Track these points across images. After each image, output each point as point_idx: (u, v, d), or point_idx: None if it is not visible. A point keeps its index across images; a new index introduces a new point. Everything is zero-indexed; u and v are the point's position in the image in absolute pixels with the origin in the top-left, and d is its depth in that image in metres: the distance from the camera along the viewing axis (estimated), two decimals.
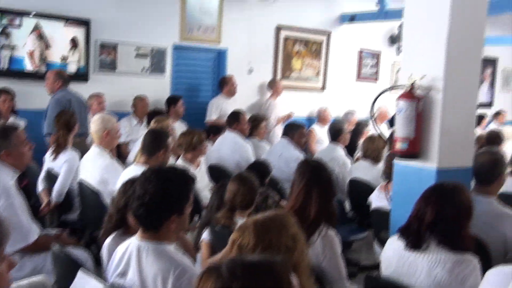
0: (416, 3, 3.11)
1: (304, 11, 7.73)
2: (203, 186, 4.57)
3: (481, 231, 2.85)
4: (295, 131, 5.38)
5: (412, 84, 2.99)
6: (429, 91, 2.98)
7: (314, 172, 2.80)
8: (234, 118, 5.60)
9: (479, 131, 7.47)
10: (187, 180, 2.12)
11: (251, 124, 5.87)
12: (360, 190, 4.48)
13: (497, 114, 9.67)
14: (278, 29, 7.55)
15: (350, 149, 6.16)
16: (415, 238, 2.34)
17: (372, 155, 4.82)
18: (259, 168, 4.10)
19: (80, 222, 4.27)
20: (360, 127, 7.02)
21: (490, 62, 10.01)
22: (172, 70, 6.66)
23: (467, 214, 2.38)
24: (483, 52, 3.17)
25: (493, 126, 9.02)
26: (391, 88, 3.38)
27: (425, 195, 2.41)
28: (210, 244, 2.96)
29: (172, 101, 6.31)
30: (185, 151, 4.51)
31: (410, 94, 2.99)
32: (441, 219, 2.30)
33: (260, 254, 1.68)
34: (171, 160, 4.51)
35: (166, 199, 2.04)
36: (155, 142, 3.68)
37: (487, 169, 3.15)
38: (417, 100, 2.97)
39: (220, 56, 7.15)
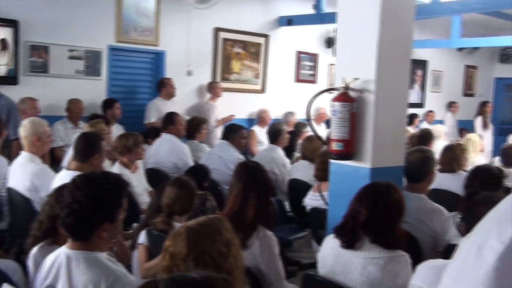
0: (348, 8, 3.19)
1: (242, 14, 7.75)
2: (141, 190, 4.47)
3: (412, 227, 2.97)
4: (235, 133, 5.37)
5: (346, 86, 3.06)
6: (362, 93, 3.06)
7: (251, 174, 2.81)
8: (169, 120, 5.52)
9: (412, 130, 7.79)
10: (119, 186, 2.04)
11: (191, 127, 5.82)
12: (299, 190, 4.54)
13: (427, 113, 10.18)
14: (217, 31, 7.53)
15: (290, 150, 6.24)
16: (350, 237, 2.40)
17: (310, 156, 4.89)
18: (198, 172, 4.05)
19: (10, 232, 4.08)
20: (298, 128, 7.12)
21: (421, 64, 10.43)
22: (108, 72, 6.46)
23: (399, 213, 2.46)
24: (413, 55, 3.30)
25: (424, 125, 9.45)
26: (326, 90, 3.44)
27: (359, 195, 2.48)
28: (147, 248, 2.90)
29: (108, 104, 6.14)
30: (121, 154, 4.40)
31: (344, 96, 3.06)
32: (374, 218, 2.37)
33: (193, 262, 1.66)
34: (107, 165, 4.40)
35: (97, 207, 1.94)
36: (88, 147, 3.54)
37: (417, 167, 3.28)
38: (351, 102, 3.04)
39: (158, 58, 7.02)
